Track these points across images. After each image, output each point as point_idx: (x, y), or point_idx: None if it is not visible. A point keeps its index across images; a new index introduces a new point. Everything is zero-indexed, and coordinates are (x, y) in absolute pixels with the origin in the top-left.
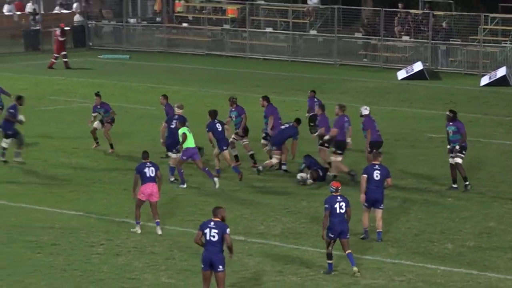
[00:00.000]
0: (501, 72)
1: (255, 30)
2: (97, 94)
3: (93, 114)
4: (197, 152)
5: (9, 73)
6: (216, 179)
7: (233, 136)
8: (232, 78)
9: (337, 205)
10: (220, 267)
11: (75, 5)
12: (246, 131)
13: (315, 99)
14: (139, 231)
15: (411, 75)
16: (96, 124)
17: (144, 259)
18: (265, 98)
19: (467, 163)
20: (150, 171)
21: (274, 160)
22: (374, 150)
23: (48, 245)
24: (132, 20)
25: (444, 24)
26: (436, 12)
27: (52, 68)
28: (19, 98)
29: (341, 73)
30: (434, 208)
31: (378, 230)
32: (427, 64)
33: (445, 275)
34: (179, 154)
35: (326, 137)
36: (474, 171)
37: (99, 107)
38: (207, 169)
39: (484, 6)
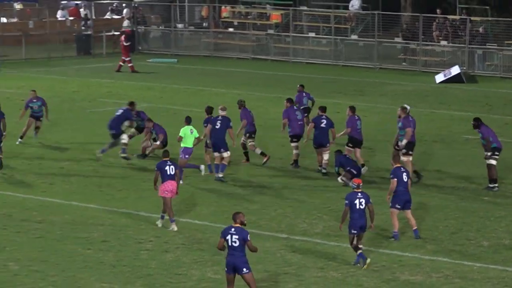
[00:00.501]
0: None
1: (299, 35)
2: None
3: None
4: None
5: (62, 76)
6: (202, 166)
7: (242, 138)
8: (276, 81)
9: (357, 201)
10: (245, 269)
11: (125, 10)
12: (253, 132)
13: (304, 93)
14: (160, 225)
15: (448, 78)
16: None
17: (191, 255)
18: (289, 100)
19: (502, 163)
20: (170, 169)
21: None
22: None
23: (98, 242)
24: (179, 25)
25: (480, 29)
26: (473, 18)
27: (119, 72)
28: (131, 104)
29: (381, 76)
30: (471, 207)
31: (414, 228)
32: (464, 68)
33: (481, 272)
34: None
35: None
36: (509, 171)
37: (135, 116)
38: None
39: None
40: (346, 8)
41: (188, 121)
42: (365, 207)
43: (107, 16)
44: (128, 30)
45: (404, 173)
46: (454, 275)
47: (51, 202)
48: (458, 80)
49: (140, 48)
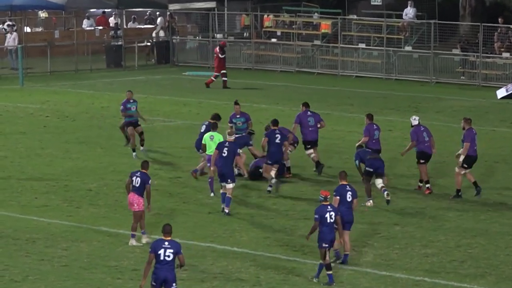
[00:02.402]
0: None
1: (347, 46)
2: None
3: (230, 125)
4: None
5: (90, 91)
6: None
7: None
8: (323, 96)
9: (327, 215)
10: (174, 284)
11: (159, 19)
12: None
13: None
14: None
15: (511, 94)
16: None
17: (229, 286)
18: (305, 104)
19: None
20: (136, 181)
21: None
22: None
23: (128, 271)
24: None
25: None
26: None
27: (208, 87)
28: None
29: (437, 91)
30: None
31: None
32: None
33: None
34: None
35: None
36: None
37: (238, 116)
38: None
39: None
40: (400, 16)
41: (210, 127)
42: (335, 220)
43: (140, 25)
44: (223, 42)
45: (349, 192)
46: None
47: (78, 227)
48: None
49: (175, 60)
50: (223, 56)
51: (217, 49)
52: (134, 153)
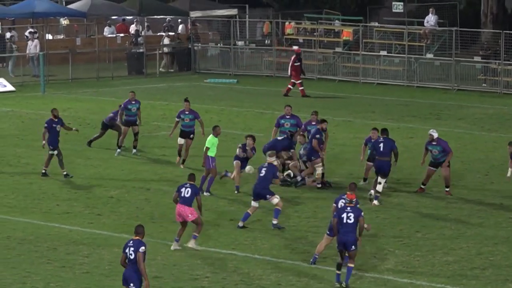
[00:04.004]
0: None
1: (369, 53)
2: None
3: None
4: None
5: (112, 98)
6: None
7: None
8: (345, 103)
9: (344, 215)
10: (132, 284)
11: (180, 27)
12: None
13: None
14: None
15: None
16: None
17: None
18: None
19: None
20: (186, 192)
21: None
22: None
23: (150, 278)
24: (240, 43)
25: None
26: None
27: (287, 96)
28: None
29: (458, 98)
30: None
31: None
32: None
33: None
34: None
35: None
36: None
37: (187, 113)
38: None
39: None
40: (421, 24)
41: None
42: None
43: (162, 32)
44: (298, 49)
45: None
46: None
47: (99, 234)
48: None
49: (196, 67)
50: (298, 64)
51: (293, 57)
52: (118, 150)
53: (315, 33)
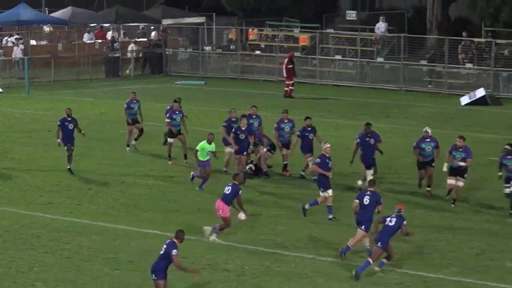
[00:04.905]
0: None
1: (325, 57)
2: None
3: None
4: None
5: (90, 98)
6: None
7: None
8: (304, 103)
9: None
10: (153, 275)
11: (153, 33)
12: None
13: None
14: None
15: (473, 101)
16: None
17: (217, 276)
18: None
19: None
20: (227, 189)
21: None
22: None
23: (125, 262)
24: (207, 48)
25: (506, 52)
26: (498, 41)
27: (291, 97)
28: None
29: (406, 98)
30: (495, 229)
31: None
32: (489, 90)
33: None
34: None
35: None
36: None
37: (177, 112)
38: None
39: None
40: (372, 31)
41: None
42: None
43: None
44: (292, 53)
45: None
46: None
47: (79, 223)
48: (483, 102)
49: (167, 70)
50: (290, 66)
51: (286, 60)
52: (128, 148)
53: (276, 39)
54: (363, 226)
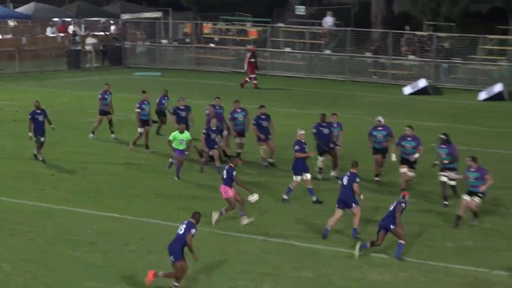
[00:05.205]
0: (498, 88)
1: (276, 50)
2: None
3: (137, 110)
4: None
5: (53, 89)
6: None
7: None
8: (256, 93)
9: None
10: (172, 257)
11: (112, 27)
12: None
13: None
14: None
15: (416, 91)
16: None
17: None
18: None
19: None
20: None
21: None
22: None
23: (86, 244)
24: (164, 41)
25: (446, 45)
26: (439, 34)
27: (257, 88)
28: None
29: (352, 89)
30: (436, 212)
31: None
32: (430, 81)
33: (446, 271)
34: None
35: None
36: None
37: (146, 103)
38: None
39: (482, 28)
40: (320, 25)
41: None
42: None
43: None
44: (254, 48)
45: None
46: (420, 274)
47: (43, 207)
48: (425, 92)
49: (126, 62)
50: (253, 60)
51: (248, 54)
52: (91, 135)
53: (229, 33)
54: (341, 205)
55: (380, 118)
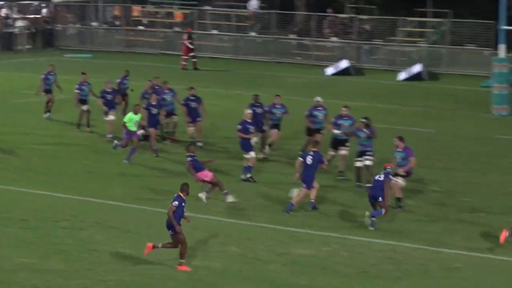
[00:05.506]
0: (417, 68)
1: (203, 32)
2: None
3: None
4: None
5: None
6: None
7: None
8: (183, 74)
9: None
10: (170, 231)
11: (44, 10)
12: None
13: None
14: None
15: (338, 71)
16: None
17: (104, 233)
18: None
19: (388, 149)
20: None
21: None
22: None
23: (18, 221)
24: (94, 24)
25: (367, 27)
26: (360, 16)
27: (185, 69)
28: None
29: (277, 70)
30: (359, 190)
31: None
32: (352, 62)
33: (367, 245)
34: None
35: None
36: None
37: (85, 83)
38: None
39: (402, 10)
40: (246, 8)
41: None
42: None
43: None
44: (189, 29)
45: (310, 156)
46: (342, 248)
47: None
48: (347, 72)
49: (58, 44)
50: (190, 41)
51: (186, 36)
52: (46, 115)
53: (157, 16)
54: (305, 185)
55: (319, 98)
